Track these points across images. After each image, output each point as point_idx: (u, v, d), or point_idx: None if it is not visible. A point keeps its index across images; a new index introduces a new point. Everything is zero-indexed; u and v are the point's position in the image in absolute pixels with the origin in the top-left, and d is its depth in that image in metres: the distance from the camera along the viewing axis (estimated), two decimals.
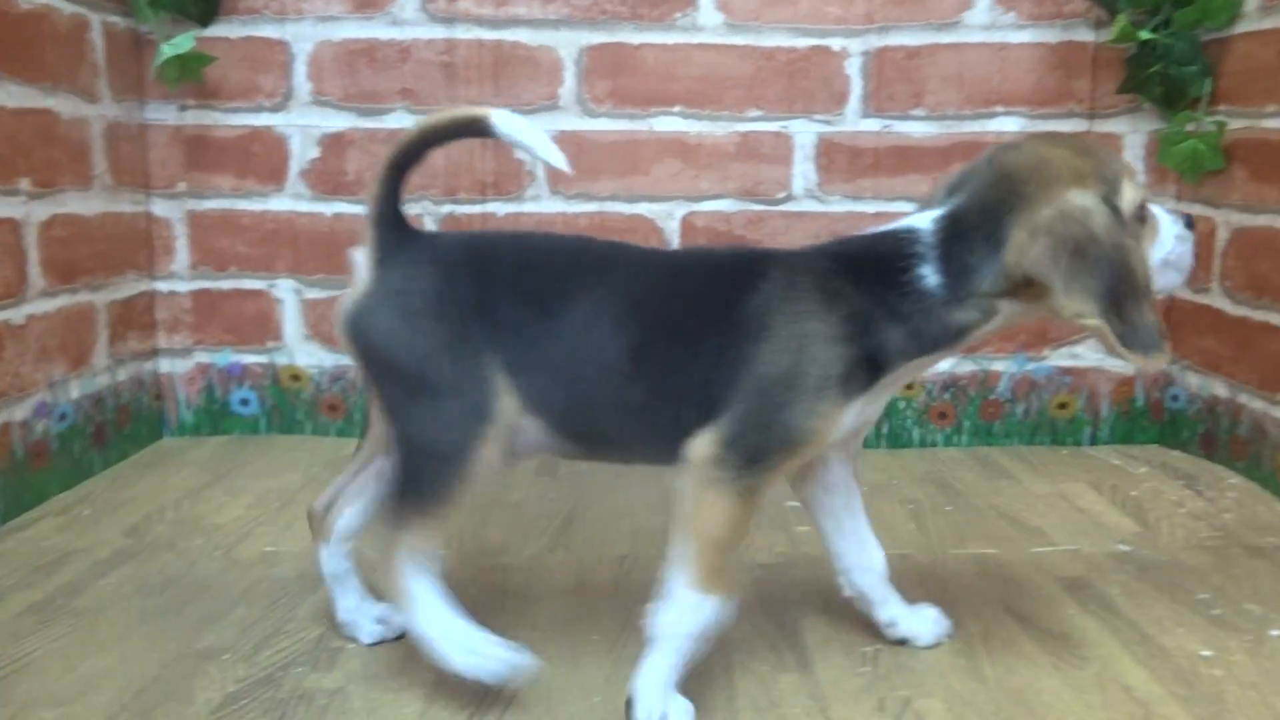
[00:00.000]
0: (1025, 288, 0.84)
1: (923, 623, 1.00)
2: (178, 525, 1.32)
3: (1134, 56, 1.55)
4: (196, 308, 1.73)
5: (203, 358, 1.74)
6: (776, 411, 0.84)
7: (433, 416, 0.89)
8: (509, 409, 0.89)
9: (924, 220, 0.87)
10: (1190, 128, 1.54)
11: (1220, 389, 1.53)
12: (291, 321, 1.73)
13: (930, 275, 0.85)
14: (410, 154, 0.91)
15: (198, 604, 1.09)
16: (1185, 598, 1.10)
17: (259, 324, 1.73)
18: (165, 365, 1.73)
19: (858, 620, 1.01)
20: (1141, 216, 0.86)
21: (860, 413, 0.88)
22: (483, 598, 1.09)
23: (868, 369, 0.85)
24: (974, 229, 0.85)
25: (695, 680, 0.88)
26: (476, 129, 0.91)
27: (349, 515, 1.00)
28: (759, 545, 1.24)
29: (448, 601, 0.90)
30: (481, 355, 0.88)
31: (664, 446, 0.87)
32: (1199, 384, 1.60)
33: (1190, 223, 0.90)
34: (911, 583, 1.11)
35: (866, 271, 0.87)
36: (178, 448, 1.68)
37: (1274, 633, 1.02)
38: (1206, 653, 0.98)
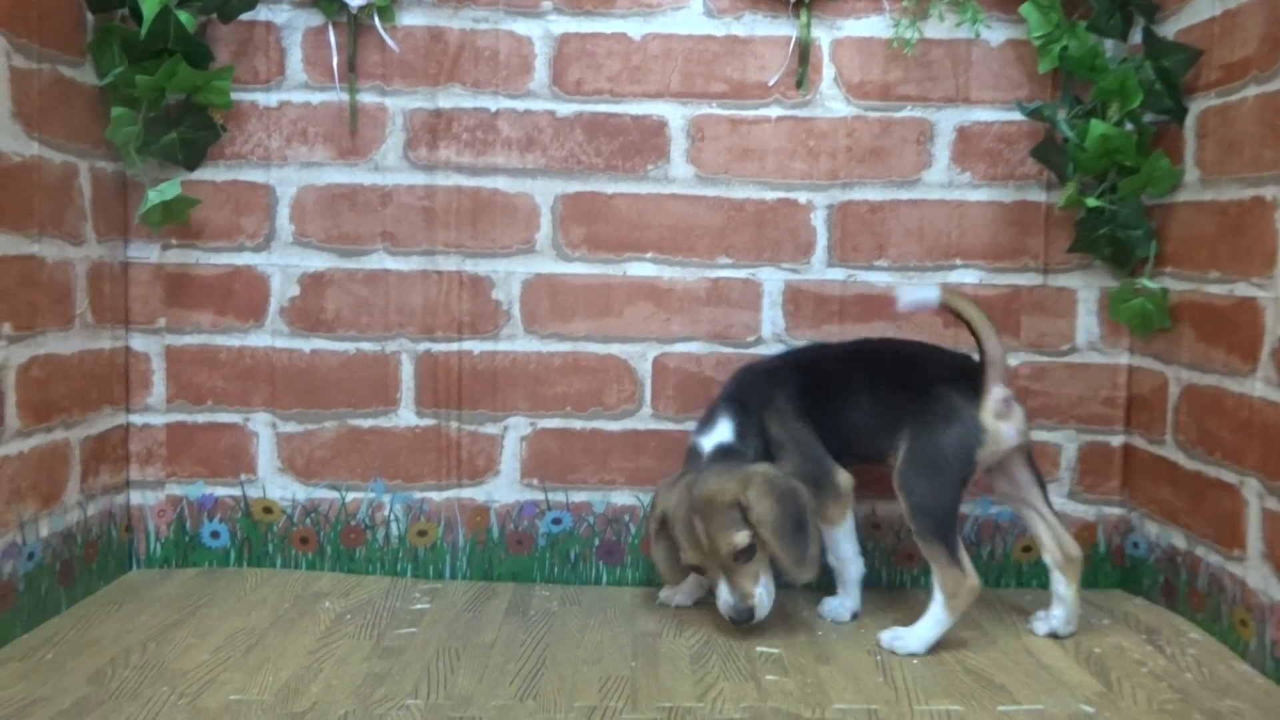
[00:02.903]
0: None
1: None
2: (142, 670, 1.31)
3: (1083, 219, 1.62)
4: (171, 440, 1.74)
5: (174, 490, 1.74)
6: None
7: None
8: None
9: None
10: (1138, 287, 1.61)
11: (1178, 540, 1.56)
12: (265, 455, 1.74)
13: None
14: None
15: None
16: None
17: (232, 457, 1.74)
18: (136, 498, 1.73)
19: None
20: None
21: None
22: None
23: None
24: None
25: None
26: None
27: None
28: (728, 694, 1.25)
29: None
30: None
31: None
32: (1158, 533, 1.63)
33: None
34: None
35: None
36: (145, 581, 1.67)
37: None
38: None
